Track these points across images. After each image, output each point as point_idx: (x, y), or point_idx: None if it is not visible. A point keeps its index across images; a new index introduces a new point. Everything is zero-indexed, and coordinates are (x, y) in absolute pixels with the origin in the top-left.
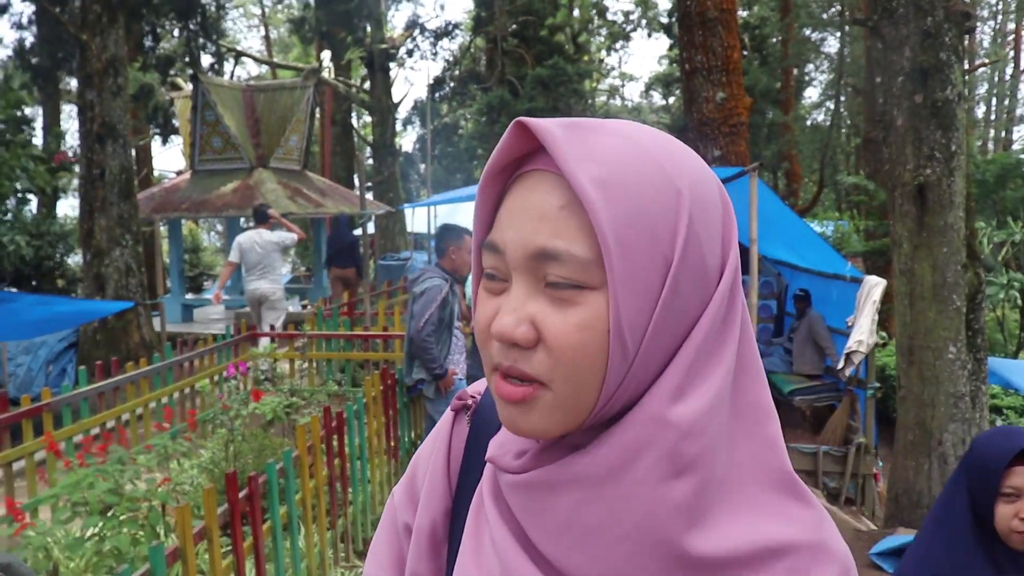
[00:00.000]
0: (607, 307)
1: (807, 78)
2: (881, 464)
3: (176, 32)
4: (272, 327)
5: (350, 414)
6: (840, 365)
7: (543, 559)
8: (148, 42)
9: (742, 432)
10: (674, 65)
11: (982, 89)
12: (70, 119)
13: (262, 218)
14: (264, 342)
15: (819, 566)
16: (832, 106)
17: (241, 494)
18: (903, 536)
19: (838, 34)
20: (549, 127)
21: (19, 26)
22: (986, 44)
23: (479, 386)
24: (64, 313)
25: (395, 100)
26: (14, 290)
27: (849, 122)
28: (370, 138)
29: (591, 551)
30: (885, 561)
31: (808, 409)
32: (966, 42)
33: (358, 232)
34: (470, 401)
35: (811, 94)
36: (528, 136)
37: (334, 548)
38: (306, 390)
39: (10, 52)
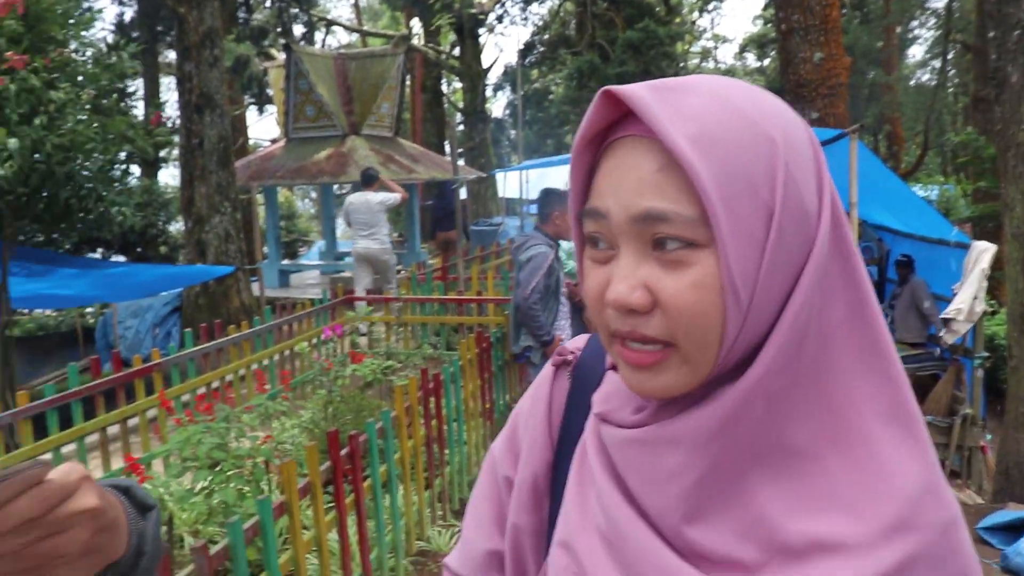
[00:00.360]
0: (717, 263)
1: (911, 35)
2: (990, 437)
3: (268, 3)
4: (369, 291)
5: (447, 376)
6: (940, 332)
7: (646, 514)
8: (241, 13)
9: (860, 370)
10: (769, 25)
11: None
12: (167, 91)
13: (369, 180)
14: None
15: (926, 512)
16: (938, 64)
17: (342, 452)
18: (1014, 511)
19: None
20: (637, 92)
21: (120, 2)
22: None
23: (578, 342)
24: (171, 275)
25: (485, 66)
26: (123, 258)
27: (957, 81)
28: (460, 104)
29: (697, 504)
30: (993, 536)
31: (911, 378)
32: None
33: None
34: (570, 357)
35: (915, 52)
36: (615, 104)
37: (431, 508)
38: (402, 353)
39: (111, 27)
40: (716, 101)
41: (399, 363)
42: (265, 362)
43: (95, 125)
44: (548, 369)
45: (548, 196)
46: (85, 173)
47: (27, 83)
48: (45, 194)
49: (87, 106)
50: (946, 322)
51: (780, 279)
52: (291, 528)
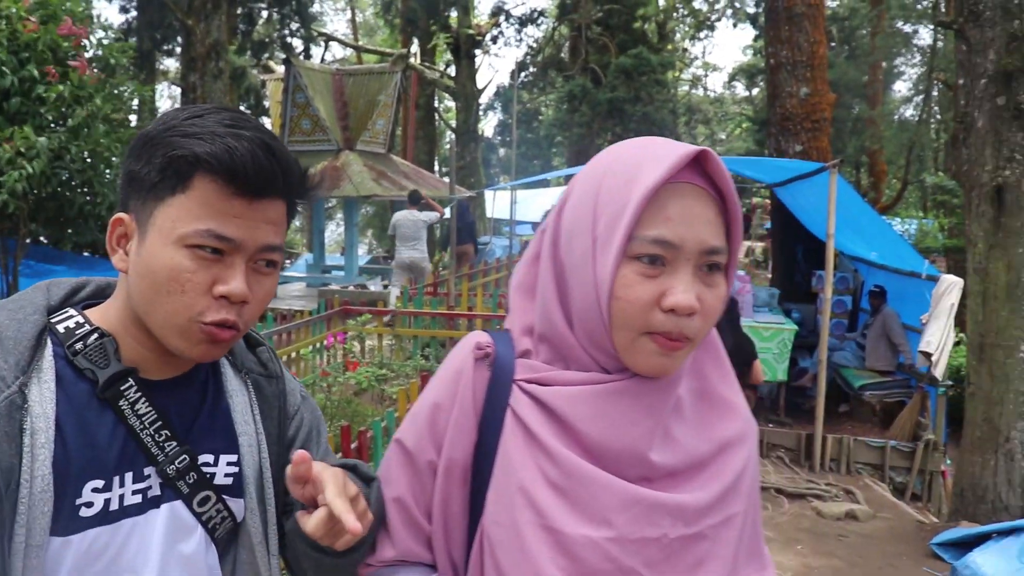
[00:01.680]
0: (726, 283)
1: (895, 71)
2: (949, 462)
3: (268, 16)
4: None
5: None
6: (917, 362)
7: (600, 456)
8: (242, 26)
9: (709, 353)
10: (759, 55)
11: None
12: (160, 98)
13: (415, 200)
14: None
15: (751, 421)
16: (921, 101)
17: (352, 446)
18: (965, 529)
19: (931, 27)
20: (718, 161)
21: (124, 9)
22: None
23: (486, 338)
24: None
25: (479, 86)
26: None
27: (939, 117)
28: (452, 123)
29: (654, 436)
30: (946, 552)
31: (878, 404)
32: None
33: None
34: (489, 350)
35: (900, 88)
36: (688, 158)
37: None
38: (396, 363)
39: (114, 34)
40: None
41: (392, 372)
42: None
43: (114, 136)
44: (468, 362)
45: None
46: (102, 180)
47: (62, 92)
48: (56, 198)
49: (112, 118)
50: (927, 356)
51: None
52: None
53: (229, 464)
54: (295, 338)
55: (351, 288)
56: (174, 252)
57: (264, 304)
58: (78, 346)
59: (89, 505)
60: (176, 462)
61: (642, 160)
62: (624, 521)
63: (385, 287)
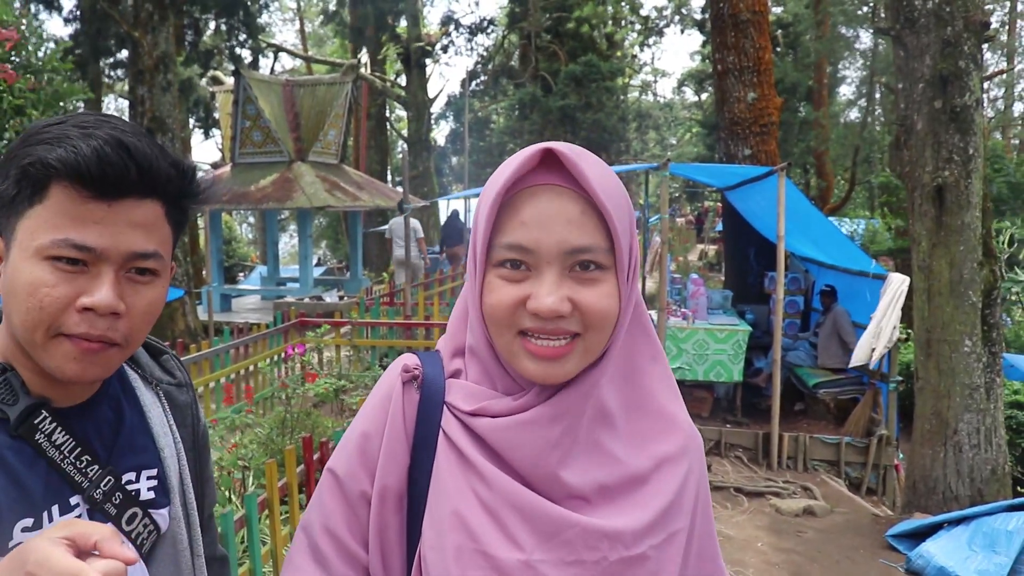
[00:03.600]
0: (616, 281)
1: (839, 75)
2: (902, 456)
3: (216, 27)
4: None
5: None
6: (863, 361)
7: (528, 481)
8: (189, 37)
9: (650, 366)
10: (707, 61)
11: (1020, 87)
12: (108, 111)
13: (403, 208)
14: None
15: (695, 436)
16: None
17: (315, 457)
18: (918, 520)
19: (871, 31)
20: (572, 155)
21: (67, 20)
22: None
23: (414, 359)
24: None
25: (430, 96)
26: None
27: (883, 119)
28: (404, 132)
29: (574, 459)
30: (900, 543)
31: (832, 401)
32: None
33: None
34: (417, 372)
35: (845, 91)
36: (536, 157)
37: None
38: (354, 375)
39: (62, 45)
40: (601, 167)
41: (350, 383)
42: (223, 380)
43: None
44: (397, 385)
45: None
46: None
47: (1, 104)
48: None
49: None
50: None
51: (629, 297)
52: (271, 521)
53: (149, 479)
54: (252, 351)
55: (307, 300)
56: (33, 266)
57: (149, 317)
58: None
59: None
60: (102, 485)
61: (504, 169)
62: (560, 544)
63: (341, 298)
